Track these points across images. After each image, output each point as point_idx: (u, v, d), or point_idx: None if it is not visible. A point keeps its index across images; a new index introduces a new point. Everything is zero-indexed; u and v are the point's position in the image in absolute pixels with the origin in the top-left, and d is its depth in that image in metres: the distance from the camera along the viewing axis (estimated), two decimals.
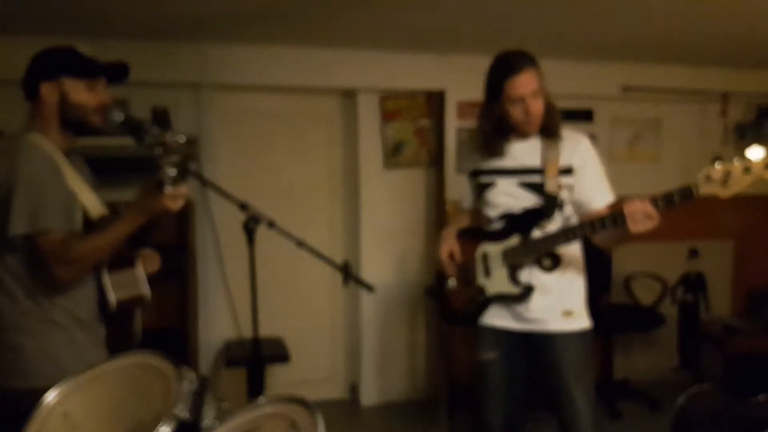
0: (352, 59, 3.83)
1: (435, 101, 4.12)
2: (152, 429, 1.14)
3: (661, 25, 3.31)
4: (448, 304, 2.46)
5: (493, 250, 2.26)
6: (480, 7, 2.97)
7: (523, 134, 2.19)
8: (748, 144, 4.58)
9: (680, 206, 1.89)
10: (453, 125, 4.04)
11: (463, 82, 4.00)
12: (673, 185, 2.02)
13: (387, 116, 4.08)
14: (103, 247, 1.72)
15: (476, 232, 2.36)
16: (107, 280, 1.79)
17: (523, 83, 2.09)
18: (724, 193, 1.81)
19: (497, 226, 2.26)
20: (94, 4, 2.82)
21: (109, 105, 1.83)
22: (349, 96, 4.11)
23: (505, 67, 2.13)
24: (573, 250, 2.22)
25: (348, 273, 2.22)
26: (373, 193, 4.08)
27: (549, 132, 2.17)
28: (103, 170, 2.04)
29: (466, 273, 2.34)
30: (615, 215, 1.97)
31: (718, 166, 1.80)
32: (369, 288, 2.23)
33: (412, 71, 3.93)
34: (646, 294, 4.37)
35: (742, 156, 1.82)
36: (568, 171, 2.16)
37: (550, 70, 4.34)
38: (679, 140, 4.52)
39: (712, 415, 2.39)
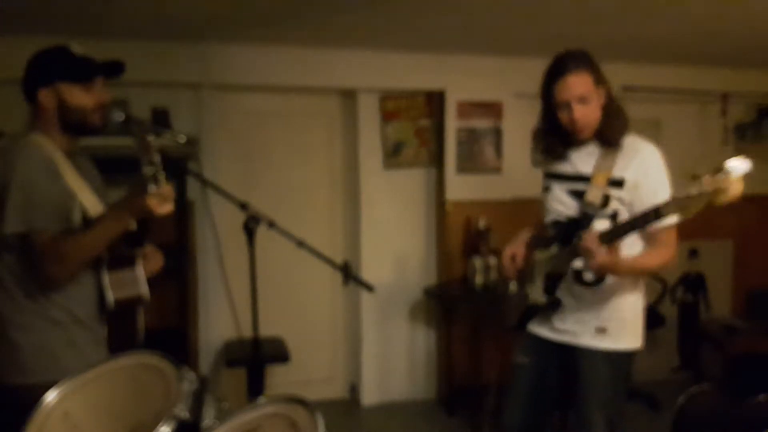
0: (352, 59, 3.83)
1: (435, 101, 4.12)
2: (152, 429, 1.14)
3: (661, 25, 3.31)
4: (503, 309, 2.42)
5: (540, 257, 2.22)
6: (480, 7, 2.97)
7: (576, 139, 2.09)
8: (748, 144, 4.59)
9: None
10: (453, 125, 4.04)
11: (463, 82, 4.00)
12: (673, 185, 2.01)
13: (387, 116, 4.08)
14: (91, 245, 1.72)
15: (539, 239, 2.29)
16: (106, 279, 1.80)
17: (569, 87, 1.99)
18: (684, 215, 1.77)
19: (549, 233, 2.21)
20: (94, 4, 2.82)
21: (107, 103, 1.84)
22: (349, 96, 4.11)
23: (555, 68, 2.04)
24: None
25: (348, 273, 2.22)
26: (373, 193, 4.08)
27: (604, 140, 2.06)
28: (103, 170, 2.04)
29: (522, 277, 2.30)
30: (648, 213, 1.85)
31: (687, 188, 1.75)
32: (369, 288, 2.23)
33: (412, 71, 3.93)
34: (646, 294, 4.36)
35: (720, 168, 1.77)
36: (618, 183, 2.03)
37: None
38: (679, 140, 4.50)
39: (712, 415, 2.39)
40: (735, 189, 1.70)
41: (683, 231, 2.04)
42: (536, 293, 2.21)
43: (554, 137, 2.14)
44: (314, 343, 4.15)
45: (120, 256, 1.83)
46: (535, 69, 2.23)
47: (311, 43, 3.68)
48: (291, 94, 4.03)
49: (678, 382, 4.22)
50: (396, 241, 4.15)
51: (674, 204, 1.75)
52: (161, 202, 1.65)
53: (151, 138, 1.70)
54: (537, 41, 3.60)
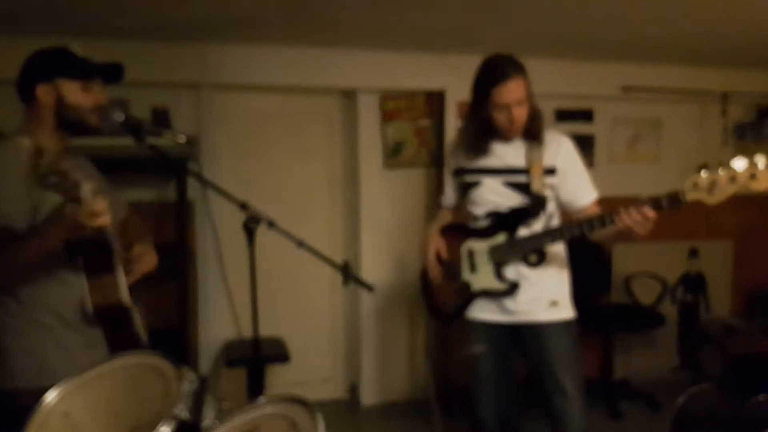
0: (352, 59, 3.83)
1: (435, 101, 4.12)
2: (152, 429, 1.14)
3: (661, 26, 3.31)
4: (434, 302, 2.53)
5: (479, 247, 2.31)
6: (480, 7, 2.97)
7: (506, 138, 2.26)
8: (748, 144, 4.59)
9: (667, 210, 1.94)
10: (453, 125, 4.04)
11: (463, 82, 3.94)
12: (672, 185, 2.03)
13: (387, 116, 4.08)
14: (17, 263, 1.65)
15: (461, 229, 2.42)
16: (85, 284, 1.76)
17: (510, 92, 2.13)
18: (710, 200, 1.87)
19: (483, 223, 2.33)
20: (94, 5, 2.82)
21: (105, 105, 1.83)
22: (349, 96, 4.11)
23: (493, 73, 2.16)
24: (557, 245, 2.30)
25: (348, 273, 2.22)
26: (373, 193, 4.08)
27: (532, 136, 2.24)
28: (103, 170, 2.04)
29: (452, 269, 2.39)
30: (603, 217, 2.04)
31: (704, 174, 1.87)
32: (369, 288, 2.23)
33: (412, 71, 3.94)
34: (646, 294, 4.37)
35: (727, 164, 1.86)
36: (551, 171, 2.24)
37: (550, 70, 4.35)
38: (679, 140, 4.52)
39: (712, 415, 2.39)
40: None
41: (683, 231, 2.06)
42: (485, 281, 2.29)
43: (482, 135, 2.27)
44: (314, 343, 4.15)
45: (97, 261, 1.78)
46: (535, 69, 2.24)
47: (311, 43, 3.68)
48: (291, 94, 4.03)
49: (678, 382, 4.21)
50: (396, 241, 4.15)
51: (693, 187, 1.88)
52: (91, 217, 1.56)
53: (53, 161, 1.60)
54: (537, 41, 3.60)
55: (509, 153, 2.27)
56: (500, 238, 2.26)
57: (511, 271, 2.27)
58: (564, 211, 2.34)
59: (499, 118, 2.18)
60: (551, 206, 2.28)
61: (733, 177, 1.81)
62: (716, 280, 4.60)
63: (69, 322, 1.77)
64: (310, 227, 3.86)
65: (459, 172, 2.40)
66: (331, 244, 4.13)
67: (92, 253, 1.76)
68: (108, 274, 1.80)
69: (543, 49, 3.75)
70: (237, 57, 3.65)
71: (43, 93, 1.76)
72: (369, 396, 4.15)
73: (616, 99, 4.34)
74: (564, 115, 4.31)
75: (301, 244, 2.10)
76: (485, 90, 2.17)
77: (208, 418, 1.25)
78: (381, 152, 4.09)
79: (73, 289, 1.77)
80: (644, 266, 4.40)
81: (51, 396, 1.31)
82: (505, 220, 2.27)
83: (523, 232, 2.24)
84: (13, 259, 1.65)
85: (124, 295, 1.80)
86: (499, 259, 2.27)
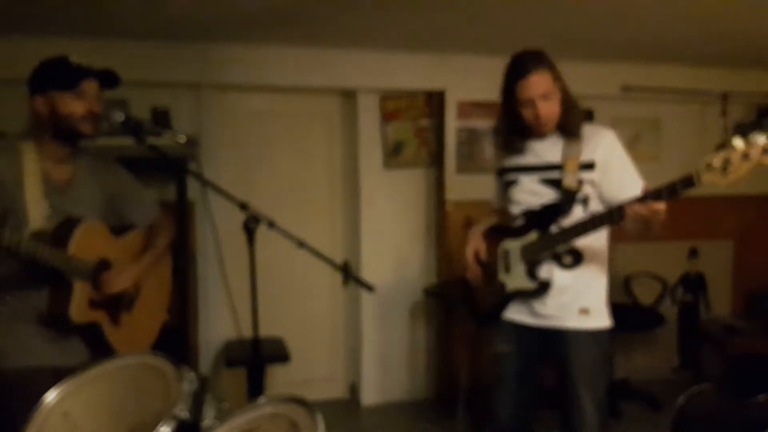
0: (352, 59, 3.83)
1: (435, 101, 4.12)
2: (152, 429, 1.14)
3: (661, 26, 3.31)
4: (473, 303, 2.48)
5: (513, 246, 2.28)
6: (480, 7, 2.97)
7: (538, 134, 2.20)
8: None
9: (683, 195, 1.82)
10: (453, 125, 4.04)
11: (463, 82, 4.00)
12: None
13: (387, 116, 4.08)
14: None
15: (500, 230, 2.38)
16: (47, 291, 1.83)
17: (532, 86, 2.09)
18: (724, 180, 1.75)
19: (519, 222, 2.28)
20: (94, 5, 2.82)
21: (98, 111, 1.87)
22: (349, 96, 4.11)
23: (516, 69, 2.14)
24: (596, 248, 2.19)
25: (348, 273, 2.23)
26: (373, 193, 4.08)
27: (567, 131, 2.17)
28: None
29: (490, 270, 2.36)
30: (612, 211, 1.96)
31: (718, 153, 1.74)
32: (369, 288, 2.23)
33: (412, 71, 3.93)
34: (646, 294, 4.37)
35: (742, 138, 1.77)
36: (589, 166, 2.14)
37: None
38: (679, 140, 4.52)
39: (712, 415, 2.39)
40: None
41: (683, 231, 2.05)
42: (517, 280, 2.25)
43: (514, 133, 2.24)
44: (314, 343, 4.15)
45: (59, 277, 1.82)
46: None
47: (311, 43, 3.68)
48: (291, 94, 4.03)
49: (678, 382, 4.22)
50: (396, 241, 4.15)
51: (706, 168, 1.75)
52: None
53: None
54: (537, 41, 3.59)
55: (546, 149, 2.21)
56: (532, 236, 2.21)
57: (544, 272, 2.20)
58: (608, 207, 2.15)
59: (526, 114, 2.14)
60: (593, 204, 2.16)
61: (746, 154, 1.70)
62: (716, 280, 4.60)
63: (24, 317, 1.83)
64: (310, 227, 3.86)
65: (501, 172, 2.38)
66: (331, 244, 4.13)
67: (47, 271, 1.80)
68: (65, 289, 1.83)
69: (543, 49, 3.75)
70: (237, 57, 3.65)
71: (39, 104, 1.83)
72: (369, 396, 4.15)
73: (616, 99, 4.33)
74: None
75: (301, 244, 2.09)
76: (510, 87, 2.15)
77: (208, 418, 1.26)
78: (381, 152, 4.09)
79: (32, 297, 1.83)
80: (644, 266, 4.40)
81: (51, 396, 1.31)
82: (537, 218, 2.20)
83: (554, 230, 2.16)
84: None
85: (73, 311, 1.83)
86: (530, 258, 2.21)
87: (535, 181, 2.23)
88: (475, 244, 2.39)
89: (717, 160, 1.74)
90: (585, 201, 2.16)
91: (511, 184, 2.30)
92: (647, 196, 1.84)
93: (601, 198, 2.17)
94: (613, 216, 1.94)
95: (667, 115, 4.52)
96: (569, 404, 2.20)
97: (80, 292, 1.85)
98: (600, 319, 2.20)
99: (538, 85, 2.09)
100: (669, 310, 4.41)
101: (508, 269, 2.29)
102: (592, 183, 2.15)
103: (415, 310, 4.22)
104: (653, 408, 3.92)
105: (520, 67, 2.13)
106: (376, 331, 4.14)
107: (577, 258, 2.16)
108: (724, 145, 1.76)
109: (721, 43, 3.71)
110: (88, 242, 1.86)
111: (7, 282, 1.81)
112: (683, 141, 4.52)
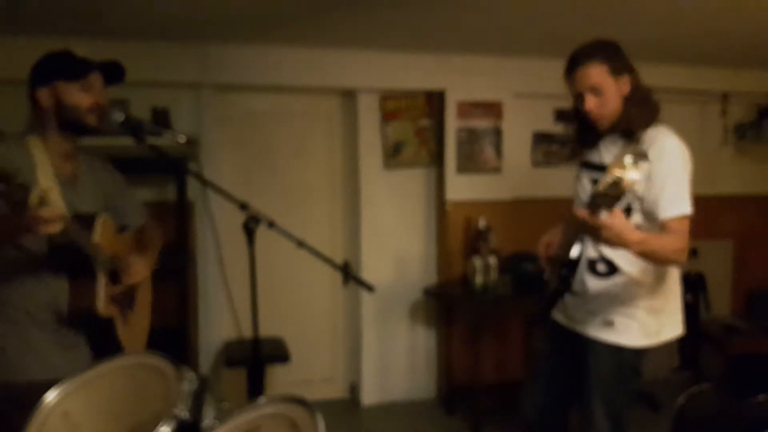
0: (352, 59, 3.83)
1: (435, 101, 4.12)
2: (152, 429, 1.14)
3: (661, 25, 3.31)
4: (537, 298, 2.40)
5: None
6: (480, 7, 2.97)
7: (600, 129, 2.10)
8: (748, 144, 4.59)
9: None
10: (453, 125, 4.04)
11: (463, 82, 4.00)
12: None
13: (387, 116, 4.08)
14: None
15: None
16: (65, 286, 1.80)
17: (578, 79, 2.03)
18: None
19: None
20: (94, 5, 2.82)
21: (104, 104, 1.85)
22: (349, 96, 4.11)
23: (569, 61, 2.07)
24: (640, 264, 2.02)
25: (348, 273, 2.22)
26: (373, 193, 4.08)
27: (624, 130, 2.05)
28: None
29: (552, 265, 2.27)
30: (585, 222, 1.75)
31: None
32: (369, 288, 2.23)
33: (412, 71, 3.93)
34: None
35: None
36: None
37: (550, 70, 4.30)
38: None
39: (712, 415, 2.39)
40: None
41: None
42: (554, 279, 2.20)
43: (584, 126, 2.14)
44: (314, 343, 4.15)
45: (81, 267, 1.80)
46: (535, 69, 2.24)
47: (311, 43, 3.68)
48: (291, 94, 4.03)
49: (678, 382, 4.21)
50: (396, 241, 4.15)
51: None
52: (43, 223, 1.57)
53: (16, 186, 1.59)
54: (537, 41, 3.60)
55: (607, 149, 2.12)
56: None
57: (578, 277, 2.12)
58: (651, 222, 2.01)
59: (580, 108, 2.06)
60: (636, 217, 2.00)
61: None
62: (716, 280, 4.60)
63: (39, 321, 1.79)
64: (310, 227, 3.87)
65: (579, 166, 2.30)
66: (331, 244, 4.13)
67: (74, 258, 1.78)
68: (88, 280, 1.81)
69: (543, 49, 3.75)
70: (237, 57, 3.65)
71: (43, 96, 1.80)
72: (369, 396, 4.15)
73: None
74: (564, 115, 4.30)
75: (301, 244, 2.09)
76: (566, 79, 2.09)
77: (208, 418, 1.25)
78: (381, 152, 4.09)
79: (49, 290, 1.80)
80: None
81: (51, 396, 1.31)
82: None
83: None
84: None
85: (100, 303, 1.81)
86: (560, 257, 2.10)
87: (588, 180, 2.16)
88: (550, 237, 2.19)
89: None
90: (628, 211, 1.99)
91: (577, 178, 2.25)
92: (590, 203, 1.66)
93: (643, 211, 2.00)
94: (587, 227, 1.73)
95: (667, 115, 4.49)
96: (585, 414, 2.16)
97: (103, 284, 1.84)
98: (627, 335, 2.07)
99: (585, 77, 2.00)
100: None
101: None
102: (635, 193, 1.96)
103: (415, 310, 4.22)
104: (653, 408, 3.92)
105: (570, 60, 2.05)
106: (376, 331, 4.14)
107: (611, 269, 2.07)
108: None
109: (721, 43, 3.71)
110: (105, 235, 1.86)
111: (18, 281, 1.77)
112: (683, 141, 4.51)
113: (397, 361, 4.21)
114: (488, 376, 4.04)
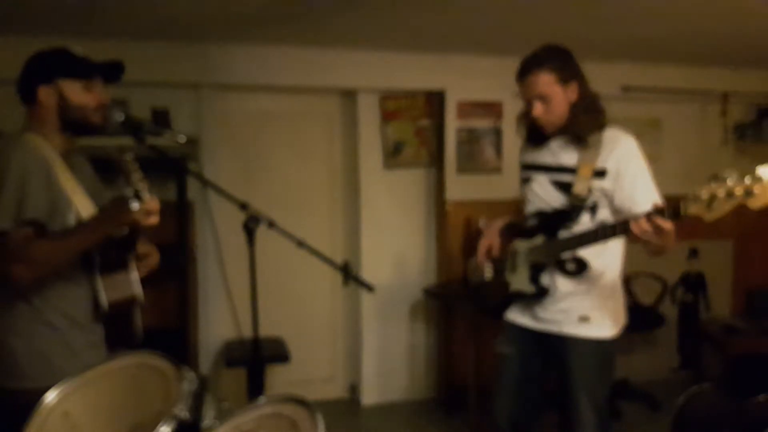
0: (352, 59, 3.83)
1: (435, 101, 4.13)
2: (152, 429, 1.14)
3: (661, 26, 3.30)
4: (482, 297, 2.48)
5: (521, 247, 2.27)
6: (480, 7, 2.97)
7: (554, 134, 2.17)
8: (748, 144, 4.59)
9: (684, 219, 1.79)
10: (453, 125, 4.04)
11: (463, 82, 4.01)
12: (672, 185, 2.02)
13: (387, 116, 4.08)
14: (64, 252, 1.69)
15: (515, 228, 2.36)
16: (99, 282, 1.79)
17: (527, 86, 2.11)
18: (708, 216, 1.73)
19: (531, 223, 2.26)
20: (93, 5, 2.82)
21: (107, 104, 1.84)
22: (349, 96, 4.11)
23: (519, 68, 2.15)
24: (604, 258, 2.13)
25: (348, 273, 2.22)
26: (373, 193, 4.08)
27: (572, 135, 2.12)
28: (102, 170, 2.04)
29: (498, 266, 2.35)
30: (615, 225, 1.93)
31: (705, 188, 1.72)
32: (369, 288, 2.23)
33: (412, 71, 3.93)
34: (646, 294, 4.37)
35: (738, 169, 1.69)
36: (601, 173, 2.08)
37: None
38: (679, 140, 4.52)
39: (712, 415, 2.39)
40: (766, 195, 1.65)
41: (683, 231, 2.03)
42: (520, 282, 2.25)
43: (534, 128, 2.22)
44: (314, 343, 4.15)
45: (113, 259, 1.82)
46: None
47: (311, 43, 3.68)
48: (291, 94, 4.03)
49: (678, 382, 4.22)
50: (396, 241, 4.15)
51: (693, 200, 1.73)
52: (147, 215, 1.65)
53: (129, 158, 1.70)
54: (537, 41, 3.57)
55: (563, 150, 2.16)
56: (539, 239, 2.19)
57: (547, 277, 2.18)
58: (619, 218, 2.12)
59: (529, 113, 2.15)
60: (603, 213, 2.11)
61: (730, 194, 1.68)
62: (716, 280, 4.60)
63: (78, 322, 1.78)
64: (310, 227, 3.86)
65: (521, 166, 2.35)
66: (331, 244, 4.13)
67: (108, 250, 1.79)
68: (122, 271, 1.83)
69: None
70: (237, 57, 3.65)
71: (45, 94, 1.77)
72: (369, 396, 4.15)
73: (616, 99, 4.33)
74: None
75: (301, 244, 2.10)
76: (517, 85, 2.16)
77: (208, 418, 1.25)
78: (381, 152, 4.09)
79: (84, 289, 1.79)
80: (644, 266, 4.40)
81: (51, 396, 1.31)
82: (547, 222, 2.18)
83: (564, 235, 2.12)
84: (61, 248, 1.69)
85: (138, 290, 1.84)
86: (534, 261, 2.20)
87: (547, 181, 2.20)
88: (490, 240, 2.35)
89: (704, 194, 1.70)
90: (593, 209, 2.10)
91: (526, 181, 2.28)
92: (653, 212, 1.79)
93: (612, 208, 2.11)
94: (616, 230, 1.91)
95: (667, 115, 4.52)
96: (569, 409, 2.19)
97: (134, 269, 1.86)
98: (602, 328, 2.15)
99: (534, 86, 2.09)
100: (669, 310, 4.41)
101: (514, 269, 2.29)
102: (603, 191, 2.08)
103: (415, 310, 4.22)
104: (653, 408, 3.92)
105: (521, 67, 2.14)
106: (376, 331, 4.14)
107: (580, 266, 2.13)
108: (717, 176, 1.72)
109: (721, 43, 3.71)
110: None
111: (56, 284, 1.74)
112: (683, 141, 4.52)
113: (397, 361, 4.21)
114: (488, 376, 4.04)
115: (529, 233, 2.24)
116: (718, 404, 2.42)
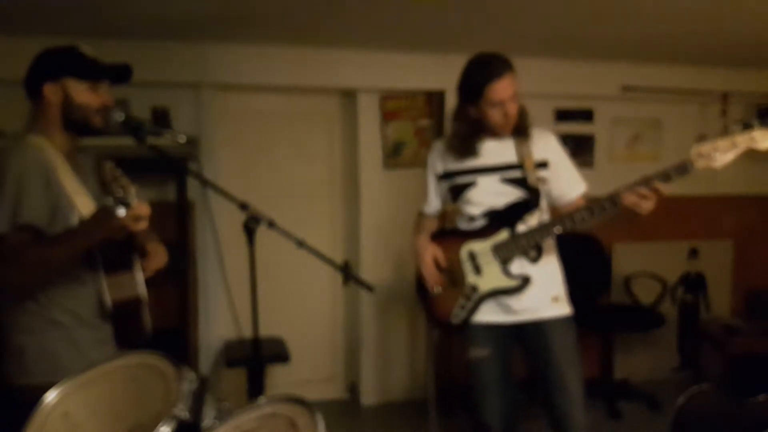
0: (352, 59, 3.83)
1: (435, 101, 4.12)
2: (152, 429, 1.14)
3: (661, 25, 3.31)
4: (436, 311, 2.45)
5: (480, 247, 2.29)
6: (480, 7, 2.97)
7: (498, 135, 2.27)
8: None
9: (676, 180, 2.00)
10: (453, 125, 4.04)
11: None
12: (672, 185, 2.04)
13: (387, 116, 4.08)
14: (56, 258, 1.68)
15: (453, 233, 2.40)
16: (103, 281, 1.80)
17: (504, 88, 2.15)
18: (716, 165, 1.92)
19: (480, 223, 2.31)
20: (94, 4, 2.82)
21: (111, 106, 1.84)
22: (349, 96, 4.11)
23: (488, 71, 2.16)
24: (549, 240, 2.30)
25: (348, 273, 2.22)
26: (373, 193, 4.08)
27: (521, 131, 2.26)
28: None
29: (453, 275, 2.35)
30: (605, 201, 2.06)
31: (705, 143, 1.94)
32: (369, 288, 2.23)
33: (412, 71, 3.94)
34: (646, 294, 4.37)
35: (725, 132, 1.92)
36: (543, 165, 2.27)
37: (550, 71, 4.34)
38: (679, 140, 4.52)
39: (712, 415, 2.39)
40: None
41: (683, 231, 2.06)
42: (494, 280, 2.27)
43: (472, 136, 2.29)
44: (314, 343, 4.15)
45: (116, 259, 1.82)
46: (536, 69, 2.26)
47: (311, 43, 3.68)
48: (291, 94, 4.03)
49: (678, 382, 4.22)
50: (396, 241, 4.15)
51: (699, 156, 1.94)
52: (135, 221, 1.63)
53: (109, 165, 1.71)
54: (537, 41, 3.60)
55: (500, 150, 2.27)
56: (503, 234, 2.26)
57: (517, 268, 2.26)
58: (553, 205, 2.35)
59: (495, 115, 2.19)
60: (544, 202, 2.30)
61: (733, 143, 1.87)
62: (716, 280, 4.60)
63: (85, 320, 1.79)
64: (310, 227, 3.85)
65: (448, 176, 2.38)
66: (331, 244, 4.13)
67: (111, 251, 1.79)
68: (126, 271, 1.84)
69: (543, 50, 3.75)
70: (237, 57, 3.65)
71: (50, 92, 1.77)
72: (369, 396, 4.15)
73: (616, 99, 4.34)
74: (564, 115, 4.31)
75: (301, 244, 2.09)
76: (479, 88, 2.17)
77: (208, 418, 1.25)
78: (381, 152, 4.09)
79: (89, 287, 1.80)
80: (644, 266, 4.40)
81: (51, 396, 1.31)
82: (504, 217, 2.26)
83: (521, 227, 2.24)
84: (50, 256, 1.68)
85: (142, 290, 1.84)
86: (505, 256, 2.25)
87: (497, 181, 2.28)
88: (432, 251, 2.38)
89: (706, 149, 1.91)
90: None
91: (467, 186, 2.32)
92: (651, 178, 1.99)
93: (549, 195, 2.31)
94: (615, 203, 2.03)
95: (667, 115, 4.52)
96: (556, 394, 2.25)
97: (138, 269, 1.87)
98: (567, 306, 2.31)
99: (509, 87, 2.15)
100: (669, 310, 4.41)
101: (478, 271, 2.30)
102: (544, 181, 2.27)
103: (415, 310, 4.22)
104: (653, 408, 3.92)
105: (493, 68, 2.16)
106: (376, 331, 4.14)
107: (539, 251, 2.27)
108: (705, 136, 1.89)
109: (721, 43, 3.71)
110: None
111: (61, 283, 1.75)
112: (683, 141, 4.51)
113: (397, 361, 4.21)
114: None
115: (484, 232, 2.29)
116: (718, 404, 2.42)
